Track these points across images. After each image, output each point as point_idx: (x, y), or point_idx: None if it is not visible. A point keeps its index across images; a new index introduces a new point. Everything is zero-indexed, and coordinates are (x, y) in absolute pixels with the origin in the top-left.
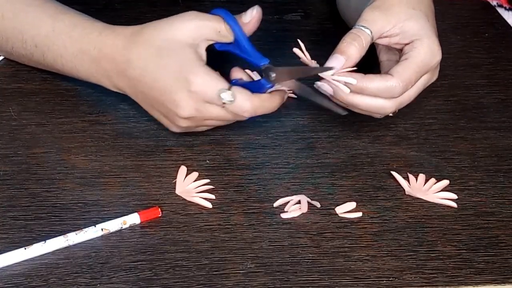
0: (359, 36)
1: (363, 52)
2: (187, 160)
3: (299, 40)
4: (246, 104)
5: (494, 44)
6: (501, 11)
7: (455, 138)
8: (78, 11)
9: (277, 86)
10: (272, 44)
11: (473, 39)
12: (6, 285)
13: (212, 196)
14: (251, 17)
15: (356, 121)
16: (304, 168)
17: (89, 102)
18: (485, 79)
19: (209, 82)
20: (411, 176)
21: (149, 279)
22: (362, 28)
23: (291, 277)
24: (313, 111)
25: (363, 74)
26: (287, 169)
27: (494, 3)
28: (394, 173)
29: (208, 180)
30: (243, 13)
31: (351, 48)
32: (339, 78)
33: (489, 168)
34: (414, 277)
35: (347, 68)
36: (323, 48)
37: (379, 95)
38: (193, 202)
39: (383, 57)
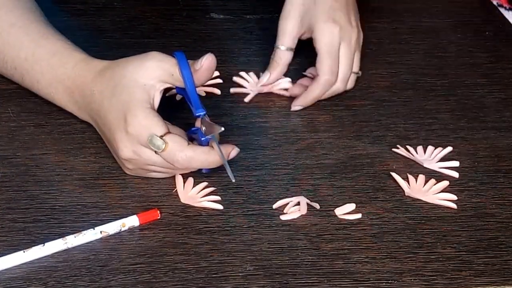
0: (276, 54)
1: (283, 66)
2: None
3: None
4: (178, 154)
5: (494, 43)
6: (501, 10)
7: (455, 138)
8: (62, 36)
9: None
10: (271, 43)
11: (474, 38)
12: None
13: (218, 198)
14: (201, 65)
15: (356, 121)
16: (303, 169)
17: None
18: (486, 78)
19: (144, 125)
20: (410, 177)
21: (148, 281)
22: (278, 47)
23: (290, 279)
24: (313, 111)
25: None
26: (287, 170)
27: (494, 2)
28: (393, 174)
29: (206, 183)
30: (196, 60)
31: (271, 67)
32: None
33: (489, 169)
34: (414, 279)
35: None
36: None
37: (325, 93)
38: (195, 206)
39: None
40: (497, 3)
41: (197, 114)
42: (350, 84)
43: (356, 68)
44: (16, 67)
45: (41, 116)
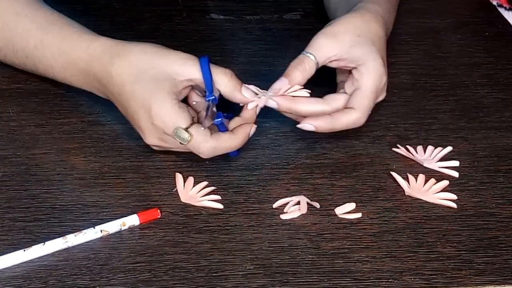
0: (303, 61)
1: (307, 75)
2: (186, 161)
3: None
4: (202, 145)
5: (494, 44)
6: (501, 10)
7: (455, 138)
8: (69, 20)
9: (238, 119)
10: (272, 43)
11: (474, 38)
12: (5, 287)
13: (218, 197)
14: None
15: None
16: (303, 169)
17: (89, 103)
18: (485, 79)
19: (169, 117)
20: (410, 177)
21: (148, 280)
22: (307, 54)
23: (290, 278)
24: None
25: (328, 115)
26: (287, 170)
27: (494, 2)
28: (393, 173)
29: (206, 183)
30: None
31: (295, 72)
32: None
33: (489, 168)
34: (414, 278)
35: (292, 88)
36: None
37: (346, 128)
38: (195, 206)
39: (339, 78)
40: (497, 3)
41: (209, 97)
42: None
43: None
44: (27, 56)
45: (41, 116)
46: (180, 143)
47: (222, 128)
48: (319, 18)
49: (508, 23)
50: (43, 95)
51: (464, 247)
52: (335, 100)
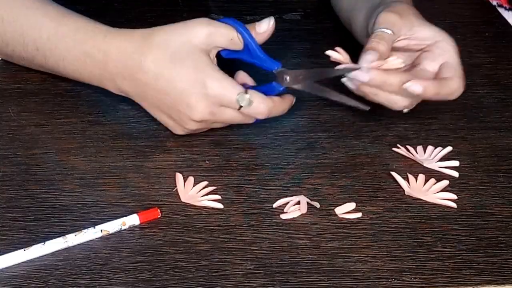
0: (384, 36)
1: (389, 51)
2: (186, 161)
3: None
4: (262, 107)
5: (494, 44)
6: (501, 11)
7: (455, 138)
8: (80, 14)
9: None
10: (271, 43)
11: (473, 39)
12: (5, 287)
13: (218, 197)
14: (267, 29)
15: (356, 121)
16: (303, 169)
17: (89, 103)
18: (485, 79)
19: (227, 86)
20: (410, 177)
21: (149, 280)
22: (384, 30)
23: (290, 278)
24: (313, 111)
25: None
26: (287, 170)
27: (494, 3)
28: (393, 173)
29: (207, 182)
30: (257, 22)
31: (380, 46)
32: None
33: (489, 168)
34: (414, 278)
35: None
36: (323, 48)
37: (447, 97)
38: (195, 205)
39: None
40: (497, 3)
41: (275, 68)
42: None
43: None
44: (38, 48)
45: (41, 116)
46: (240, 107)
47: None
48: (319, 18)
49: (508, 23)
50: (43, 95)
51: (464, 247)
52: (422, 72)
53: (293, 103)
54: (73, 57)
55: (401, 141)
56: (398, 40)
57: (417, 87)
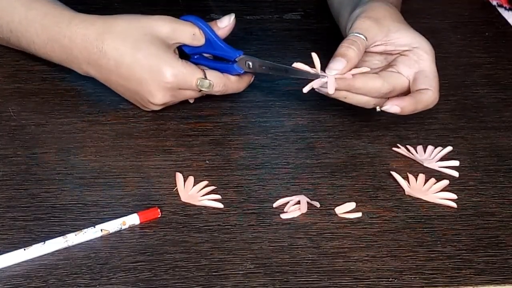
0: (355, 41)
1: (360, 56)
2: (186, 161)
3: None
4: (220, 86)
5: (494, 44)
6: (501, 10)
7: (455, 138)
8: None
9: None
10: (272, 43)
11: (473, 38)
12: (5, 286)
13: (218, 196)
14: (227, 24)
15: (356, 121)
16: (303, 168)
17: (89, 102)
18: (485, 79)
19: (186, 73)
20: (411, 176)
21: (149, 280)
22: (357, 34)
23: (290, 277)
24: (313, 111)
25: (411, 97)
26: (287, 169)
27: (494, 2)
28: (394, 173)
29: (207, 182)
30: (219, 19)
31: (350, 51)
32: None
33: (489, 168)
34: (414, 277)
35: (348, 71)
36: (323, 48)
37: (425, 109)
38: (195, 205)
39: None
40: (497, 3)
41: (237, 56)
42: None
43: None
44: (11, 30)
45: (41, 115)
46: (200, 90)
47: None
48: (319, 18)
49: (508, 23)
50: (43, 95)
51: (464, 247)
52: (392, 77)
53: (251, 81)
54: (42, 41)
55: (401, 141)
56: (375, 46)
57: (395, 109)
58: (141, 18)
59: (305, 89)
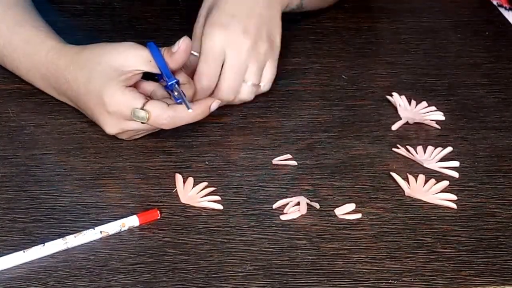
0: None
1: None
2: (186, 161)
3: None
4: (162, 118)
5: (494, 43)
6: (501, 10)
7: (455, 138)
8: (39, 22)
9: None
10: None
11: (474, 38)
12: None
13: (218, 198)
14: (178, 47)
15: (356, 121)
16: (303, 169)
17: None
18: (486, 78)
19: (123, 101)
20: (410, 177)
21: (148, 281)
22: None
23: (290, 279)
24: (313, 111)
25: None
26: (286, 170)
27: (494, 2)
28: (393, 174)
29: (206, 183)
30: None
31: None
32: None
33: (489, 169)
34: (414, 279)
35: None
36: (323, 47)
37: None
38: (195, 206)
39: None
40: (497, 3)
41: (170, 83)
42: (244, 95)
43: (255, 79)
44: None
45: (41, 116)
46: (142, 122)
47: (172, 89)
48: (319, 18)
49: (508, 23)
50: (42, 95)
51: (464, 248)
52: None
53: (211, 109)
54: (24, 68)
55: (401, 141)
56: None
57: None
58: (104, 47)
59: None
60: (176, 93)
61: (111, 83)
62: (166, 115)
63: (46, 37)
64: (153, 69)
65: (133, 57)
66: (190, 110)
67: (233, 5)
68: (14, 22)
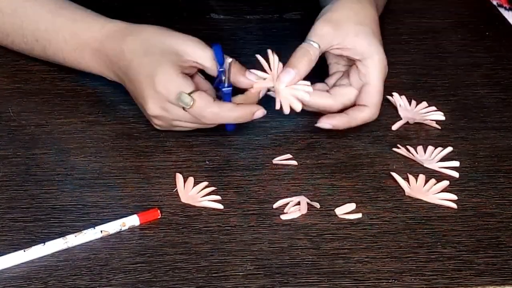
0: (308, 51)
1: (312, 65)
2: (186, 161)
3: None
4: (204, 110)
5: (494, 43)
6: (501, 10)
7: (455, 138)
8: (78, 5)
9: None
10: (271, 43)
11: (474, 38)
12: None
13: (218, 197)
14: (250, 86)
15: None
16: (303, 169)
17: (89, 103)
18: (486, 79)
19: (171, 83)
20: (411, 177)
21: (148, 281)
22: (312, 43)
23: (290, 279)
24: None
25: (344, 114)
26: (287, 170)
27: (494, 3)
28: (394, 173)
29: (207, 183)
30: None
31: (301, 64)
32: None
33: (490, 169)
34: (414, 279)
35: (300, 81)
36: None
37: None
38: (195, 206)
39: (332, 60)
40: (497, 3)
41: (220, 70)
42: None
43: None
44: (37, 39)
45: (41, 116)
46: (183, 108)
47: (227, 99)
48: None
49: (508, 23)
50: (43, 95)
51: (464, 248)
52: (341, 95)
53: (254, 116)
54: (71, 47)
55: (401, 141)
56: (332, 49)
57: (327, 126)
58: (171, 31)
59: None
60: (226, 84)
61: (167, 63)
62: (210, 109)
63: (95, 15)
64: (212, 69)
65: (198, 50)
66: (229, 103)
67: (366, 19)
68: (56, 6)
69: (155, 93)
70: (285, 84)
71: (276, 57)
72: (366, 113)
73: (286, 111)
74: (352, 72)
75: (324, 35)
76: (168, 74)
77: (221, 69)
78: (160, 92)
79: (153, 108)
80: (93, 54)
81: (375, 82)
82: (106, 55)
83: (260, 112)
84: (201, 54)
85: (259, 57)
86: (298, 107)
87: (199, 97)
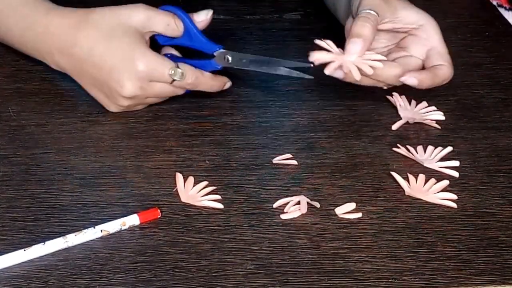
0: (369, 18)
1: (375, 33)
2: (186, 161)
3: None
4: (191, 77)
5: (494, 43)
6: (501, 10)
7: (455, 138)
8: None
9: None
10: (272, 43)
11: (474, 38)
12: (5, 287)
13: (218, 197)
14: (203, 19)
15: (356, 121)
16: (303, 169)
17: (89, 102)
18: (486, 79)
19: (157, 62)
20: (411, 177)
21: (149, 280)
22: (369, 11)
23: (290, 278)
24: (313, 111)
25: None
26: (287, 170)
27: (494, 3)
28: (394, 173)
29: (207, 182)
30: (196, 12)
31: (365, 30)
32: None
33: (489, 168)
34: (414, 278)
35: (367, 51)
36: (323, 48)
37: (440, 84)
38: (195, 205)
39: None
40: (497, 3)
41: (215, 50)
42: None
43: None
44: None
45: (41, 116)
46: (173, 81)
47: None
48: (319, 18)
49: (508, 23)
50: (43, 95)
51: (464, 247)
52: (407, 65)
53: (225, 86)
54: (19, 29)
55: (401, 141)
56: (383, 23)
57: (412, 80)
58: (116, 8)
59: (327, 71)
60: (219, 61)
61: (140, 44)
62: (194, 75)
63: (44, 0)
64: (170, 33)
65: (152, 19)
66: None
67: None
68: None
69: (137, 73)
70: (355, 55)
71: (329, 41)
72: (446, 70)
73: (357, 77)
74: (410, 42)
75: (377, 5)
76: (148, 55)
77: (217, 50)
78: (144, 71)
79: (132, 89)
80: (37, 38)
81: (441, 42)
82: (51, 42)
83: (228, 83)
84: (154, 23)
85: (317, 40)
86: (369, 71)
87: (185, 68)
